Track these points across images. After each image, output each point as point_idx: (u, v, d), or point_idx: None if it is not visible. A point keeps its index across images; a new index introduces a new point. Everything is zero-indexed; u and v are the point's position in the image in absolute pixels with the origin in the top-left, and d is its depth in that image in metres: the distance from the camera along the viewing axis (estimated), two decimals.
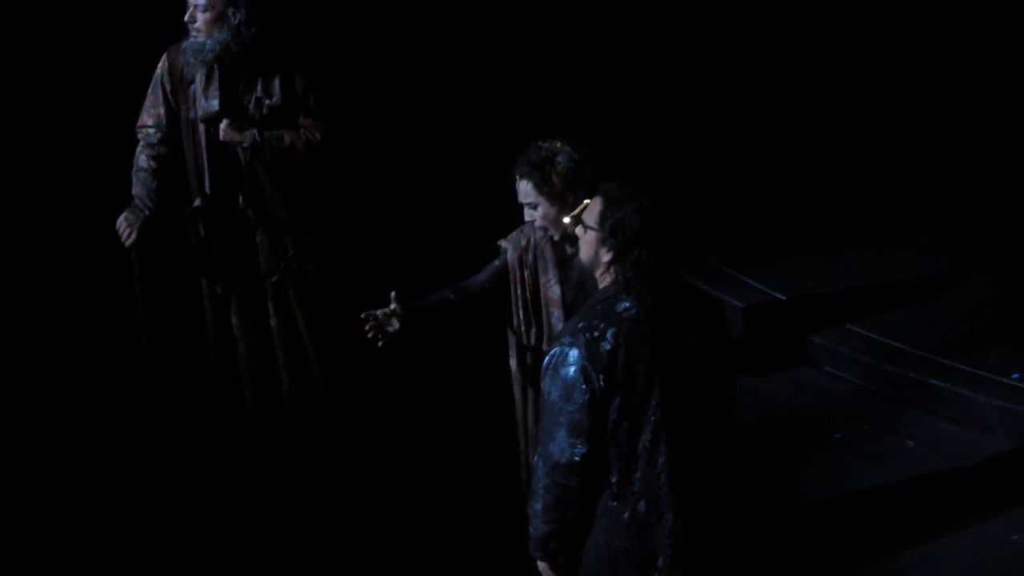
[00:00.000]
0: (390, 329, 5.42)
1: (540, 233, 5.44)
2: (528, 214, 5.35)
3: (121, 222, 6.24)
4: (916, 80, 9.59)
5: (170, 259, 6.56)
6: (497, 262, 5.57)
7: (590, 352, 4.43)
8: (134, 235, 6.22)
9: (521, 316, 5.53)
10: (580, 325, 4.50)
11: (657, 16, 9.85)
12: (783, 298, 7.89)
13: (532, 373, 5.53)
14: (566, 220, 5.17)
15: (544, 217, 5.32)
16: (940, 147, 9.11)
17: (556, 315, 5.44)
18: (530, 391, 5.59)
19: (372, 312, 5.41)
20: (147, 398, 6.71)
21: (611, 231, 4.49)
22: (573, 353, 4.45)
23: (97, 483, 6.62)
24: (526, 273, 5.50)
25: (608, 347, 4.43)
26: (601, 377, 4.43)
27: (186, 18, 6.10)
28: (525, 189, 5.30)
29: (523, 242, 5.51)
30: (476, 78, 9.37)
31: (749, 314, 7.81)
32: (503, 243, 5.57)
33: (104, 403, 7.09)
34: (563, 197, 5.26)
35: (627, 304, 4.48)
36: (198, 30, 6.10)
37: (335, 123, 6.24)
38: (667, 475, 4.52)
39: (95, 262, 7.37)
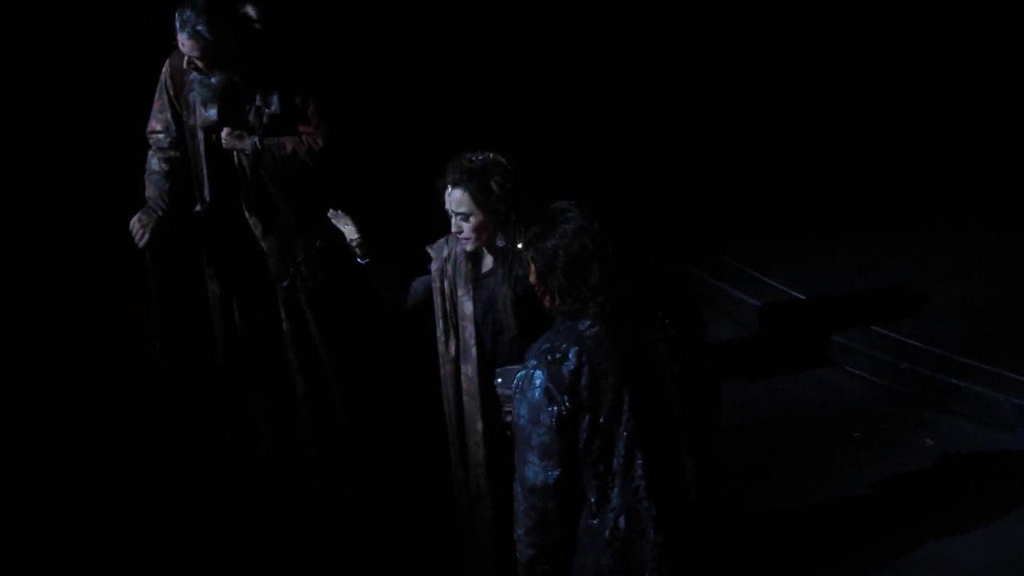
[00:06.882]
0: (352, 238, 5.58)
1: (460, 246, 5.32)
2: (456, 224, 5.19)
3: (134, 223, 6.25)
4: (942, 76, 9.54)
5: (184, 260, 6.56)
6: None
7: (552, 374, 4.38)
8: (147, 236, 6.23)
9: (441, 326, 5.41)
10: (544, 347, 4.45)
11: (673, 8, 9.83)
12: (801, 297, 7.86)
13: (454, 384, 5.42)
14: (519, 245, 4.90)
15: (477, 228, 5.16)
16: (958, 147, 9.05)
17: (468, 330, 5.31)
18: (453, 401, 5.46)
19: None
20: (158, 400, 6.70)
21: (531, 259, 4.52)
22: (538, 376, 4.40)
23: (100, 483, 6.62)
24: (446, 284, 5.37)
25: (571, 367, 4.38)
26: (566, 398, 4.38)
27: (184, 65, 6.10)
28: (459, 198, 5.13)
29: (445, 253, 5.40)
30: (480, 80, 9.35)
31: (767, 313, 7.78)
32: (430, 251, 5.47)
33: (110, 404, 7.08)
34: (497, 209, 5.13)
35: (589, 322, 4.43)
36: (201, 71, 6.10)
37: (336, 129, 6.22)
38: (644, 489, 4.45)
39: (106, 264, 7.38)
